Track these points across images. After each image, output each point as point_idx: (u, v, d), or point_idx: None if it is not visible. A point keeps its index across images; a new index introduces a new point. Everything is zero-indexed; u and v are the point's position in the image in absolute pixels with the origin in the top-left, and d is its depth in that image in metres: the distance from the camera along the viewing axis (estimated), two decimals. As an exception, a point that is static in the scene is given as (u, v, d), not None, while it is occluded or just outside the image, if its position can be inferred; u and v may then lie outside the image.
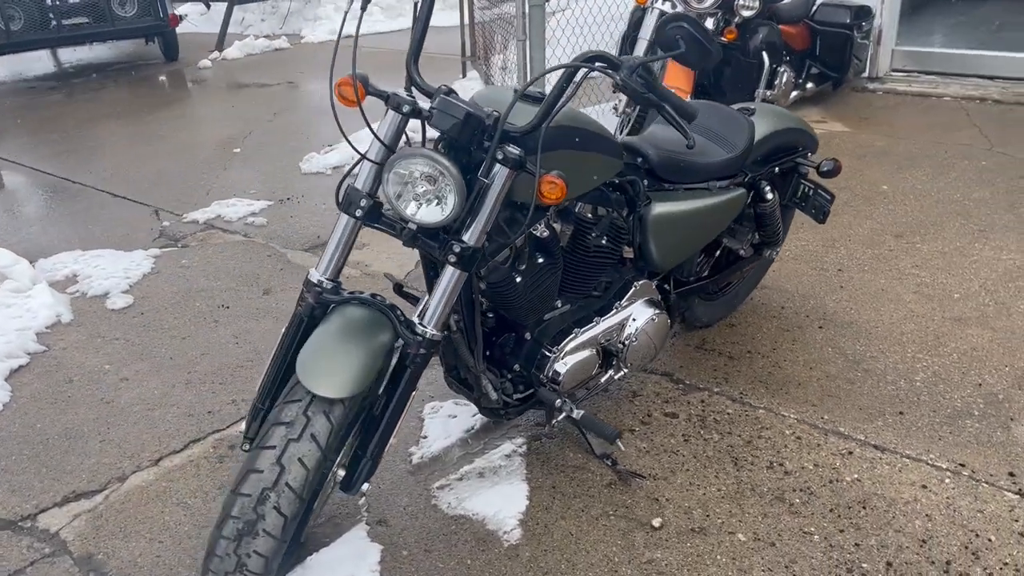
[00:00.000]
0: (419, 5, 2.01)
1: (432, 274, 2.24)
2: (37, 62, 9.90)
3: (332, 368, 1.83)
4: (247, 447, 2.11)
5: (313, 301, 2.00)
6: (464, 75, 7.23)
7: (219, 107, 7.38)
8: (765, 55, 4.96)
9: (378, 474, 2.05)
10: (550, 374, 2.37)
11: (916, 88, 6.24)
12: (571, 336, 2.41)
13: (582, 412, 2.34)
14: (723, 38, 4.88)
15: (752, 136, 2.72)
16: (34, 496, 2.52)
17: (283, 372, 2.05)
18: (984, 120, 5.54)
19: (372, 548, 2.26)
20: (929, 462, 2.48)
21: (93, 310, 3.64)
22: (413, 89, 2.03)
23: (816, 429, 2.64)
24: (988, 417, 2.65)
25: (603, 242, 2.40)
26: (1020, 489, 2.35)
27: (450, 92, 1.96)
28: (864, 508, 2.31)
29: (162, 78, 8.86)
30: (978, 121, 5.53)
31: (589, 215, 2.36)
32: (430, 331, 1.97)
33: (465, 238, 1.94)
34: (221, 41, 9.75)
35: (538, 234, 2.21)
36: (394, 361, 2.00)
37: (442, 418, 2.77)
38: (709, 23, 4.86)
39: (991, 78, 6.18)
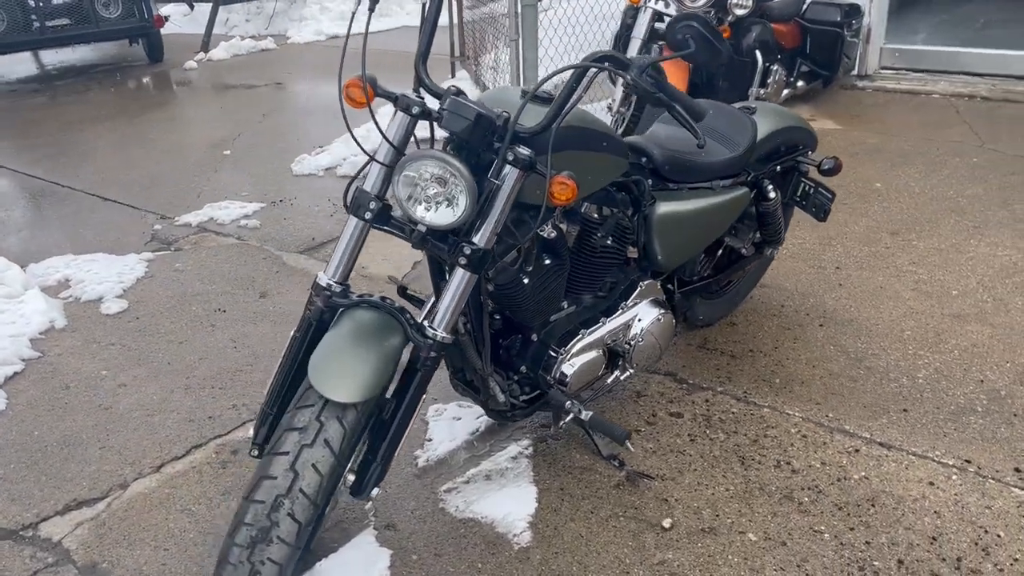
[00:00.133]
0: (427, 6, 1.99)
1: (439, 276, 2.22)
2: (19, 64, 9.80)
3: (344, 372, 1.81)
4: (255, 452, 2.09)
5: (323, 305, 1.98)
6: (453, 75, 7.20)
7: (207, 109, 7.33)
8: (759, 53, 4.97)
9: (385, 478, 2.03)
10: (557, 375, 2.36)
11: (905, 85, 6.28)
12: (578, 337, 2.40)
13: (591, 413, 2.33)
14: (716, 37, 4.89)
15: (755, 135, 2.72)
16: (34, 505, 2.49)
17: (292, 376, 2.03)
18: (974, 117, 5.58)
19: (381, 553, 2.24)
20: (935, 459, 2.48)
21: (87, 315, 3.60)
22: (421, 90, 2.01)
23: (821, 427, 2.64)
24: (992, 413, 2.66)
25: (608, 242, 2.39)
26: (1026, 485, 2.37)
27: (459, 93, 1.94)
28: (873, 506, 2.32)
29: (147, 80, 8.79)
30: (968, 118, 5.57)
31: (595, 215, 2.35)
32: (440, 334, 1.95)
33: (475, 240, 1.92)
34: (206, 42, 9.68)
35: (545, 235, 2.20)
36: (402, 364, 1.98)
37: (447, 420, 2.75)
38: (702, 22, 4.86)
39: (979, 75, 6.23)
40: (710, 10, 4.67)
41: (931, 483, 2.39)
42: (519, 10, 4.90)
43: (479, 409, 2.67)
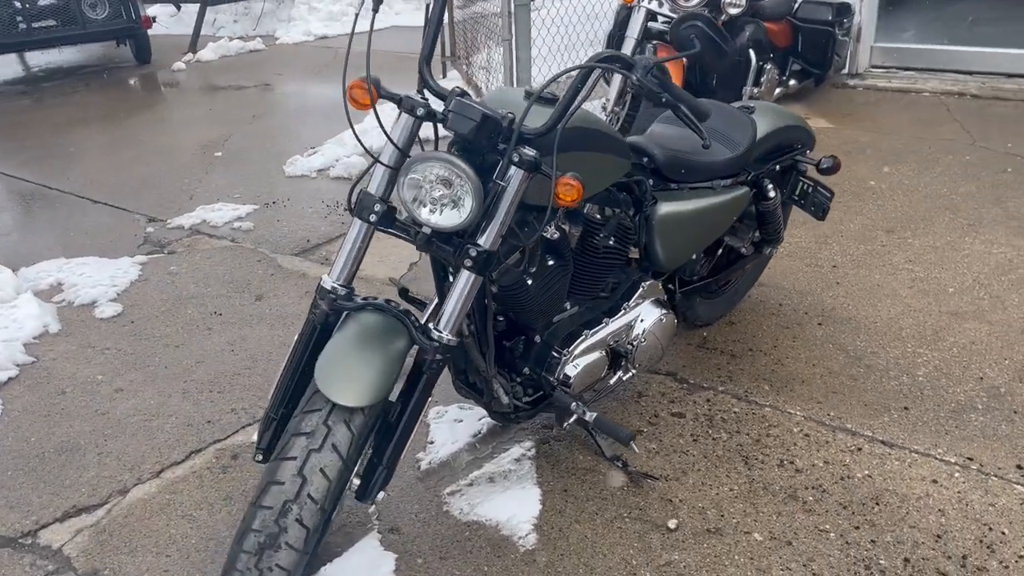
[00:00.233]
0: (431, 7, 1.98)
1: (442, 278, 2.21)
2: (4, 66, 9.68)
3: (351, 376, 1.80)
4: (259, 457, 2.07)
5: (327, 308, 1.97)
6: (444, 75, 7.18)
7: (196, 110, 7.28)
8: (752, 52, 4.98)
9: (390, 482, 2.02)
10: (560, 377, 2.35)
11: (896, 84, 6.30)
12: (581, 338, 2.40)
13: (595, 414, 2.33)
14: (710, 36, 4.89)
15: (755, 134, 2.72)
16: (33, 512, 2.46)
17: (297, 380, 2.01)
18: (964, 115, 5.61)
19: (386, 557, 2.23)
20: (938, 457, 2.49)
21: (81, 319, 3.57)
22: (425, 91, 2.00)
23: (823, 426, 2.65)
24: (992, 411, 2.67)
25: (611, 243, 2.39)
26: (1029, 482, 2.38)
27: (463, 94, 1.93)
28: (877, 504, 2.32)
29: (135, 81, 8.72)
30: (958, 116, 5.59)
31: (597, 216, 2.35)
32: (446, 336, 1.95)
33: (480, 242, 1.91)
34: (194, 43, 9.61)
35: (548, 236, 2.19)
36: (406, 367, 1.97)
37: (448, 423, 2.74)
38: (695, 21, 4.87)
39: (969, 73, 6.25)
40: (703, 9, 4.67)
41: (934, 481, 2.39)
42: (512, 10, 4.89)
43: (480, 411, 2.67)
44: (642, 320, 2.53)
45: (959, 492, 2.35)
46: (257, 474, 2.51)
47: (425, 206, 1.89)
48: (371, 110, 1.88)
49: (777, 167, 2.93)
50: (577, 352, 2.37)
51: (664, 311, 2.57)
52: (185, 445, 2.72)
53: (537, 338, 2.36)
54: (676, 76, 4.63)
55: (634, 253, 2.55)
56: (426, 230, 1.92)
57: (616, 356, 2.52)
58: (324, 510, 1.78)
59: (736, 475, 2.46)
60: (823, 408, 2.73)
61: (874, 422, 2.65)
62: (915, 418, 2.66)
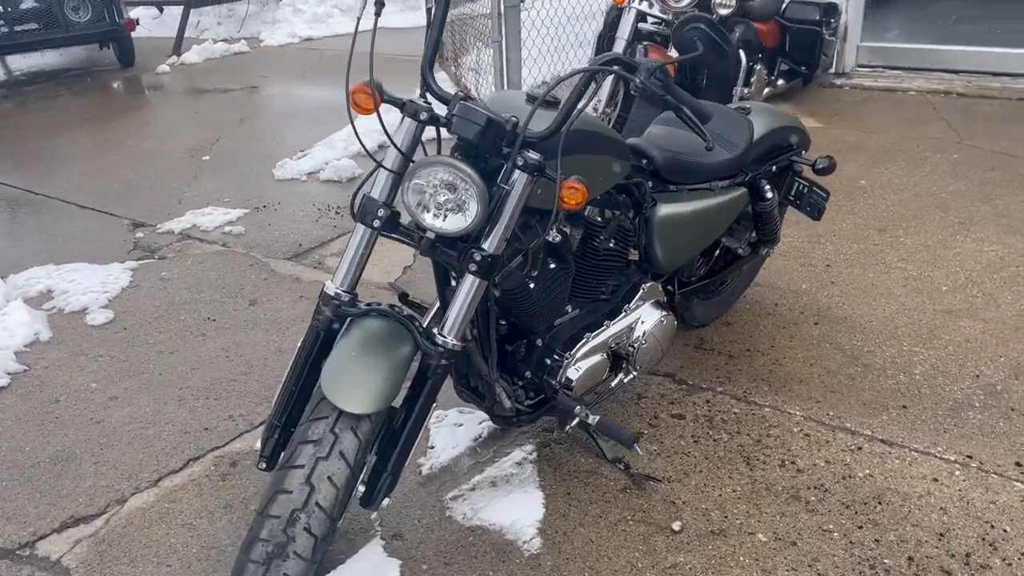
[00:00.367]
0: (433, 10, 1.96)
1: (445, 283, 2.20)
2: (-15, 70, 9.62)
3: (358, 383, 1.78)
4: (263, 466, 2.05)
5: (331, 314, 1.95)
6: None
7: (182, 113, 7.22)
8: (742, 53, 4.99)
9: (395, 488, 2.01)
10: (563, 380, 2.35)
11: (882, 83, 6.34)
12: (582, 341, 2.40)
13: (598, 417, 2.32)
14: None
15: (752, 135, 2.72)
16: (30, 523, 2.43)
17: (300, 387, 2.00)
18: (951, 113, 5.65)
19: (390, 563, 2.21)
20: (937, 455, 2.50)
21: (73, 327, 3.53)
22: (428, 95, 1.99)
23: (823, 426, 2.65)
24: (989, 408, 2.69)
25: (612, 245, 2.39)
26: (1028, 479, 2.39)
27: (467, 98, 1.92)
28: (879, 503, 2.33)
29: (119, 84, 8.66)
30: (945, 114, 5.63)
31: (598, 218, 2.34)
32: (451, 341, 1.93)
33: (484, 246, 1.90)
34: (178, 45, 9.55)
35: (550, 239, 2.18)
36: (410, 373, 1.96)
37: (448, 427, 2.73)
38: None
39: (954, 72, 6.30)
40: (694, 10, 4.68)
41: (935, 479, 2.41)
42: (502, 11, 4.88)
43: (481, 415, 2.66)
44: (643, 322, 2.53)
45: (960, 490, 2.36)
46: (257, 482, 2.50)
47: (429, 211, 1.88)
48: (374, 114, 1.87)
49: (774, 168, 2.93)
50: (579, 355, 2.37)
51: (664, 313, 2.57)
52: (183, 453, 2.69)
53: (539, 341, 2.35)
54: (667, 77, 4.63)
55: (633, 255, 2.55)
56: (430, 235, 1.91)
57: (617, 358, 2.52)
58: (332, 518, 1.76)
59: (738, 476, 2.46)
60: (822, 407, 2.74)
61: (873, 421, 2.66)
62: (914, 416, 2.67)
